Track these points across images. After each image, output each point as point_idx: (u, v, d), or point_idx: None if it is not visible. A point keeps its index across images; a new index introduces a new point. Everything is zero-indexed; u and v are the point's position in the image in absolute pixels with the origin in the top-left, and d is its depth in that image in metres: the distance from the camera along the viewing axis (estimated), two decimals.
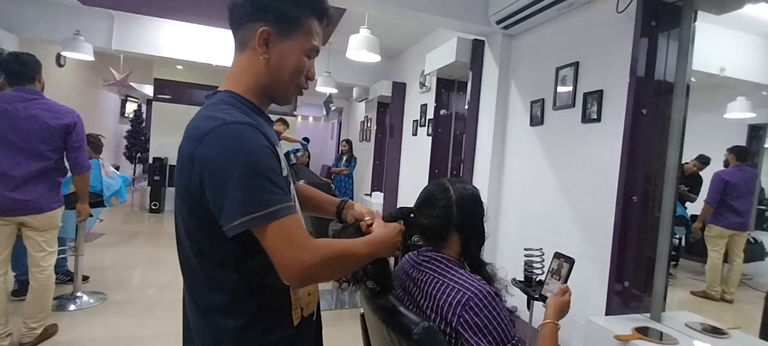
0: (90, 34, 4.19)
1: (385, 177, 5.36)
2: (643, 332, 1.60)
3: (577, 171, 2.24)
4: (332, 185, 5.41)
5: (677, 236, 2.27)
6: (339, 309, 3.05)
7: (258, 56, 0.78)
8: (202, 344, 0.79)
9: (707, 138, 2.21)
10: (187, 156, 0.71)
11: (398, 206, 1.03)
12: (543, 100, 2.53)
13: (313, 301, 0.89)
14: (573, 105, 2.27)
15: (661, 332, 1.62)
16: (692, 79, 1.76)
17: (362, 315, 1.11)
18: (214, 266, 0.75)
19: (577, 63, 2.26)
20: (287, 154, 5.84)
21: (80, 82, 6.69)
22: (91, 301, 2.82)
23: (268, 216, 0.66)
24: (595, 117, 2.11)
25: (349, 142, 6.19)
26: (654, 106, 1.84)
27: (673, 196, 1.80)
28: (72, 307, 2.71)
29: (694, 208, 2.29)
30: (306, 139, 5.73)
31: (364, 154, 6.68)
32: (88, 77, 6.97)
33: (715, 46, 1.95)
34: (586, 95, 2.17)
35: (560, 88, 2.38)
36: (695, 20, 1.74)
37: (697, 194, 2.27)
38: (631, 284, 1.89)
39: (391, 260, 0.96)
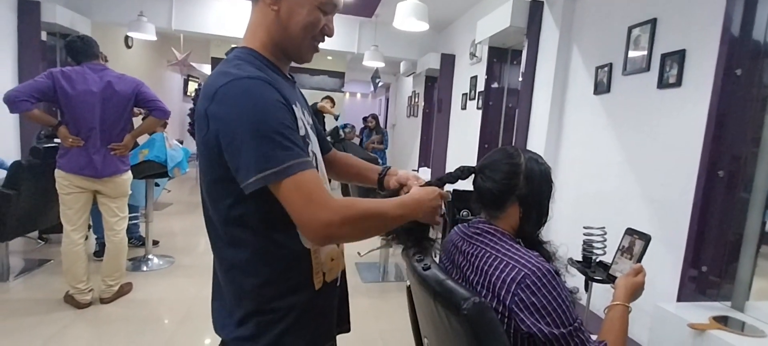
0: (152, 14, 4.43)
1: (432, 153, 5.26)
2: (721, 321, 1.43)
3: (650, 143, 2.01)
4: (380, 161, 5.45)
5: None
6: (385, 282, 3.08)
7: (269, 8, 0.76)
8: (226, 299, 0.81)
9: None
10: (201, 113, 0.70)
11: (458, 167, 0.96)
12: (610, 64, 2.28)
13: (336, 267, 0.87)
14: (647, 68, 2.02)
15: (743, 323, 1.44)
16: None
17: (409, 288, 1.08)
18: (234, 224, 0.74)
19: (655, 20, 1.99)
20: (335, 130, 5.96)
21: (147, 62, 7.18)
22: (161, 263, 3.07)
23: (283, 172, 0.65)
24: (674, 81, 1.86)
25: (375, 116, 6.26)
26: (750, 68, 1.58)
27: None
28: (144, 268, 2.97)
29: None
30: (345, 125, 5.85)
31: (411, 130, 6.58)
32: (153, 58, 7.46)
33: None
34: (664, 57, 1.92)
35: (632, 51, 2.13)
36: None
37: None
38: (710, 270, 1.68)
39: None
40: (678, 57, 1.85)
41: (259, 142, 0.65)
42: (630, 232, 1.14)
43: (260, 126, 0.65)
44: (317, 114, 5.38)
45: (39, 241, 3.36)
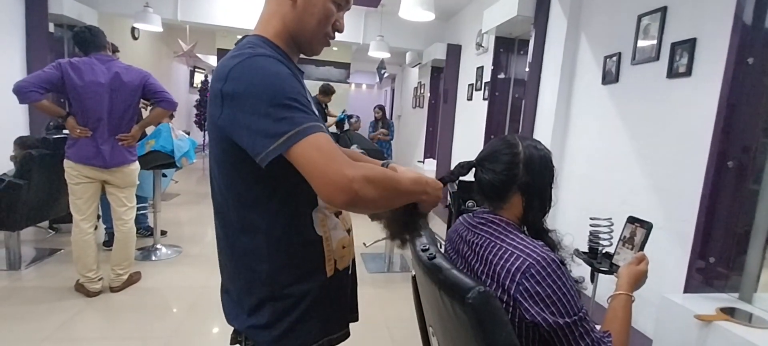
0: (158, 5, 4.44)
1: (438, 144, 5.24)
2: (728, 312, 1.42)
3: (658, 133, 1.99)
4: (385, 153, 5.43)
5: None
6: (390, 272, 3.10)
7: None
8: (236, 289, 0.81)
9: None
10: (216, 94, 0.69)
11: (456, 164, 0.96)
12: (619, 54, 2.25)
13: (347, 255, 0.88)
14: (657, 58, 1.99)
15: (751, 314, 1.43)
16: None
17: (414, 277, 1.08)
18: (248, 208, 0.75)
19: (665, 8, 1.96)
20: (341, 121, 5.95)
21: (153, 54, 7.20)
22: (169, 253, 3.11)
23: (301, 133, 0.63)
24: (684, 71, 1.83)
25: (381, 107, 6.20)
26: (762, 57, 1.55)
27: None
28: (153, 258, 3.01)
29: None
30: (350, 115, 5.78)
31: (417, 121, 6.56)
32: (160, 49, 7.48)
33: None
34: (674, 46, 1.89)
35: (641, 40, 2.09)
36: None
37: None
38: (717, 261, 1.67)
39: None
40: (688, 46, 1.82)
41: (277, 109, 0.64)
42: (631, 220, 1.13)
43: (276, 95, 0.65)
44: (319, 108, 5.29)
45: (49, 230, 3.42)
